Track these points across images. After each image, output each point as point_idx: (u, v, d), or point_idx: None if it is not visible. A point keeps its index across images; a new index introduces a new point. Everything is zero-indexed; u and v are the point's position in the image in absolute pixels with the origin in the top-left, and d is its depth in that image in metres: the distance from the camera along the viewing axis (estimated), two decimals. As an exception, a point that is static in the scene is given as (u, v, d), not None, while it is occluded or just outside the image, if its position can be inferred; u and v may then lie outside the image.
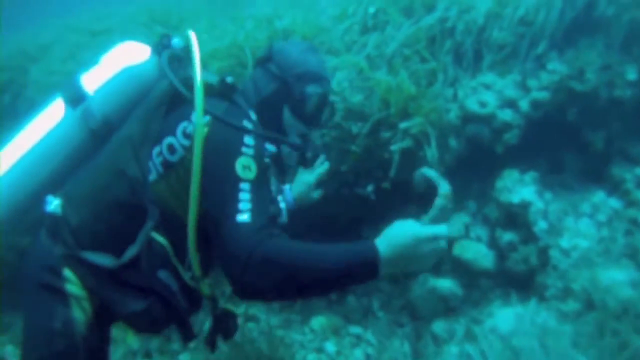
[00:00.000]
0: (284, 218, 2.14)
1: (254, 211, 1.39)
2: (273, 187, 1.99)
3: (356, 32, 3.43)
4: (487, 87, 3.33)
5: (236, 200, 1.39)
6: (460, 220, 3.12)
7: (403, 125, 2.91)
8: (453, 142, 3.11)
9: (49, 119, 1.65)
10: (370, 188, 2.92)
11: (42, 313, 1.57)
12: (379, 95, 3.01)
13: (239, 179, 1.43)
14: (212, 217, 1.41)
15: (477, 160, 3.19)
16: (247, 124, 1.55)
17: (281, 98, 1.80)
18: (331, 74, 1.93)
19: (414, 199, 2.95)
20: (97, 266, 1.55)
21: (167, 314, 1.60)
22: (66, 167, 1.65)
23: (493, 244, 3.12)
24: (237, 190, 1.41)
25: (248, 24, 3.35)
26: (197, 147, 1.44)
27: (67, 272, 1.57)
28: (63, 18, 5.46)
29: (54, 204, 1.60)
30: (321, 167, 2.31)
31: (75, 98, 1.64)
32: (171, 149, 1.55)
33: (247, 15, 3.52)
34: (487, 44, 3.42)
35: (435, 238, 1.37)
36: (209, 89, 1.57)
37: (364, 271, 1.34)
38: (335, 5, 3.67)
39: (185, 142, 1.53)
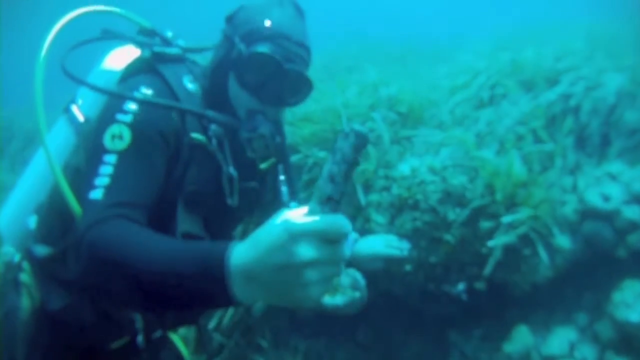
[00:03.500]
0: None
1: (109, 187, 1.20)
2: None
3: (469, 106, 3.18)
4: (613, 177, 2.96)
5: (95, 175, 1.22)
6: (565, 336, 2.70)
7: (507, 219, 2.59)
8: (567, 242, 2.73)
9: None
10: (461, 287, 2.59)
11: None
12: (484, 179, 2.72)
13: (103, 151, 1.26)
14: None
15: (594, 264, 2.77)
16: (144, 90, 1.36)
17: (226, 63, 1.48)
18: (302, 37, 1.48)
19: (513, 305, 2.61)
20: (36, 257, 1.53)
21: (98, 315, 1.48)
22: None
23: (601, 369, 2.66)
24: (99, 163, 1.24)
25: (352, 90, 3.21)
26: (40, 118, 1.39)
27: (25, 263, 1.57)
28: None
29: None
30: (400, 251, 2.09)
31: (66, 105, 1.60)
32: None
33: (353, 80, 3.38)
34: (617, 126, 3.06)
35: (317, 234, 0.84)
36: (139, 63, 1.49)
37: (206, 280, 0.90)
38: (452, 78, 3.44)
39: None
